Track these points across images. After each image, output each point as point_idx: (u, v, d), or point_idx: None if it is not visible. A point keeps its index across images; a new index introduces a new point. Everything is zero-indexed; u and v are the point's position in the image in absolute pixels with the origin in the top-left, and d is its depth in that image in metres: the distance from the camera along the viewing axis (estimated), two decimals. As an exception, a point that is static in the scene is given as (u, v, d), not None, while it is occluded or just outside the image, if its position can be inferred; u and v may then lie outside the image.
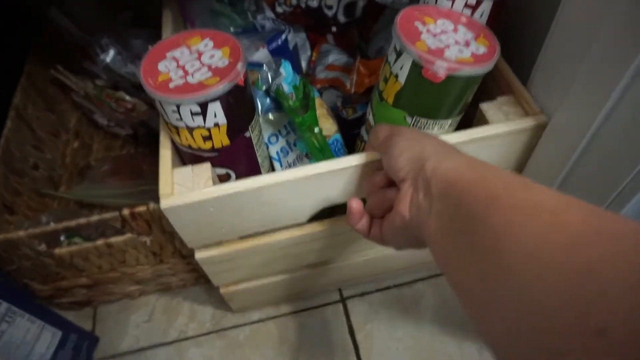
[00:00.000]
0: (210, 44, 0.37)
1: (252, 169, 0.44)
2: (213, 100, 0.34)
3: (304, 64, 0.59)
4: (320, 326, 0.59)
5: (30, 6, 0.64)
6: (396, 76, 0.37)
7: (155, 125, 0.69)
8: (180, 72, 0.35)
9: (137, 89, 0.64)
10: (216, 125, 0.36)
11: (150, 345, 0.59)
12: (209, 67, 0.35)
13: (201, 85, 0.34)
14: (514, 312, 0.19)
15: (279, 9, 0.55)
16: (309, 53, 0.59)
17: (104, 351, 0.58)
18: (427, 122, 0.39)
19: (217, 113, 0.35)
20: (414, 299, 0.61)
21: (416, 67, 0.35)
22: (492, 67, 0.36)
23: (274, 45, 0.51)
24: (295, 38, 0.54)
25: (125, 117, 0.65)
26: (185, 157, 0.40)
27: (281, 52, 0.51)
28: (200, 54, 0.36)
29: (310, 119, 0.43)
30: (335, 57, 0.58)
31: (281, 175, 0.37)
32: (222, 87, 0.34)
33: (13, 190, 0.53)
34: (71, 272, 0.52)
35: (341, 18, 0.57)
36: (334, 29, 0.58)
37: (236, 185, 0.37)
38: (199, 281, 0.63)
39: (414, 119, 0.39)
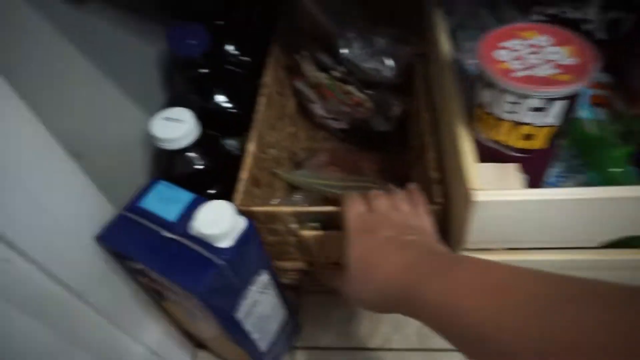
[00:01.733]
0: (551, 40, 0.38)
1: (540, 181, 0.43)
2: (562, 98, 0.34)
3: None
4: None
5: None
6: None
7: (375, 124, 0.72)
8: (520, 64, 0.36)
9: (367, 86, 0.68)
10: (547, 125, 0.36)
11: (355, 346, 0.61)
12: (555, 64, 0.36)
13: (553, 81, 0.34)
14: None
15: (535, 18, 0.55)
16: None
17: (307, 341, 0.62)
18: None
19: (556, 112, 0.35)
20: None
21: None
22: None
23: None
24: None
25: (351, 111, 0.69)
26: (482, 151, 0.41)
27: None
28: (537, 49, 0.37)
29: (626, 153, 0.41)
30: (598, 74, 0.57)
31: (608, 191, 0.36)
32: (575, 86, 0.34)
33: (259, 166, 0.59)
34: (301, 254, 0.56)
35: (600, 34, 0.55)
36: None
37: (558, 192, 0.36)
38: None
39: None
